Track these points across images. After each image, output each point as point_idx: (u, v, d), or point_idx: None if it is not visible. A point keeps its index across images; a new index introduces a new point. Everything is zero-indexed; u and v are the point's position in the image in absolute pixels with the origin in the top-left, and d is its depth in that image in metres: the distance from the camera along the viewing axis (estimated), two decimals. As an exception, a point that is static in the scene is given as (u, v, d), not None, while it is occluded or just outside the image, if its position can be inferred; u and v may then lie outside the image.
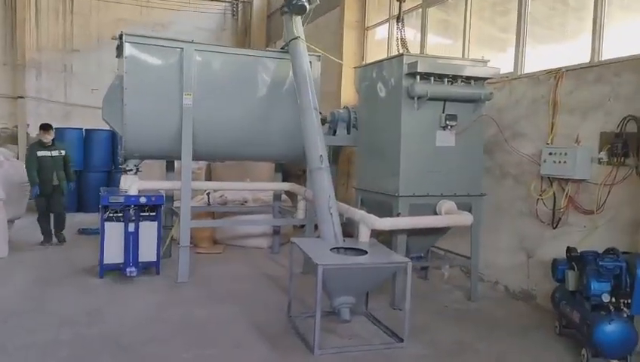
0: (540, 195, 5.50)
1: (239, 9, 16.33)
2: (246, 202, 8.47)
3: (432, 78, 5.35)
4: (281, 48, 6.59)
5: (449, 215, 5.30)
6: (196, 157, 6.40)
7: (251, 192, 8.56)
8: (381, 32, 9.78)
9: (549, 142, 5.46)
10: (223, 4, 16.36)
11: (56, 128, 11.99)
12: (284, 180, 8.15)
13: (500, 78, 6.15)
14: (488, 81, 5.72)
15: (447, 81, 5.42)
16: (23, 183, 8.10)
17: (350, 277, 4.34)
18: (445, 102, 5.50)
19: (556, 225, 5.36)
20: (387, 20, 9.18)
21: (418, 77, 5.30)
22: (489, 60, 5.81)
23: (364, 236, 5.00)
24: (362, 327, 4.88)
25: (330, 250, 4.64)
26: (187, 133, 6.08)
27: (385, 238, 5.54)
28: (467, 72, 5.44)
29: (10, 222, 8.13)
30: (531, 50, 6.16)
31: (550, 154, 5.27)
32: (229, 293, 5.83)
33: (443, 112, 5.51)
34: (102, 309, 5.18)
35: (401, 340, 4.43)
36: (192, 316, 5.05)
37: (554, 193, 5.37)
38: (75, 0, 14.96)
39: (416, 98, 5.35)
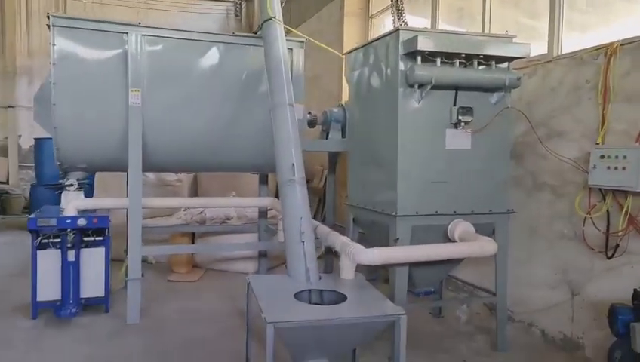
0: (589, 213, 4.09)
1: (242, 9, 15.26)
2: (228, 220, 7.24)
3: (439, 59, 4.03)
4: (254, 32, 5.37)
5: (464, 243, 3.93)
6: (148, 168, 5.21)
7: (236, 208, 7.33)
8: (389, 23, 8.49)
9: (599, 141, 4.06)
10: (225, 4, 15.31)
11: (36, 138, 11.20)
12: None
13: (530, 61, 4.80)
14: (513, 64, 4.37)
15: (460, 63, 4.10)
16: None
17: (319, 336, 3.04)
18: (457, 92, 4.18)
19: (612, 254, 3.94)
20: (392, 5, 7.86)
21: (419, 57, 3.99)
22: (515, 36, 4.45)
23: (347, 272, 3.68)
24: (344, 399, 3.56)
25: (297, 294, 3.34)
26: (135, 139, 4.89)
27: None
28: (486, 50, 4.09)
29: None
30: (568, 39, 4.79)
31: (602, 157, 3.87)
32: (182, 344, 4.57)
33: (454, 105, 4.18)
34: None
35: None
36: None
37: (607, 210, 3.96)
38: (68, 2, 14.13)
39: (417, 86, 4.05)
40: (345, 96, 8.38)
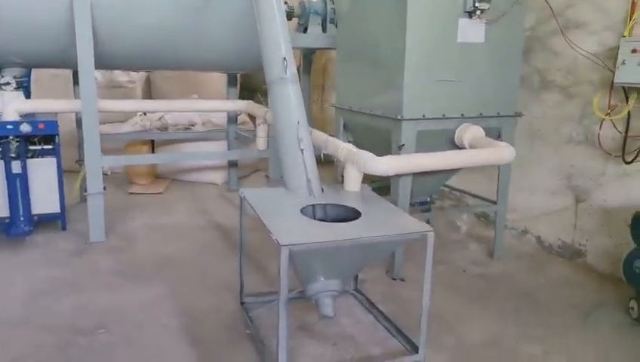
0: (608, 114, 3.77)
1: None
2: (193, 126, 6.56)
3: None
4: None
5: (482, 149, 3.54)
6: (98, 64, 4.34)
7: (200, 114, 6.62)
8: None
9: (626, 34, 3.64)
10: None
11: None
12: (244, 98, 6.24)
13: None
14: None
15: None
16: None
17: (334, 258, 2.64)
18: (475, -28, 3.59)
19: (633, 159, 3.67)
20: None
21: None
22: None
23: (353, 184, 3.25)
24: (352, 320, 3.28)
25: (302, 209, 2.89)
26: (83, 25, 4.03)
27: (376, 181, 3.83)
28: None
29: None
30: None
31: (634, 51, 3.48)
32: (158, 261, 4.11)
33: (470, -11, 3.61)
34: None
35: (415, 348, 2.85)
36: (92, 309, 3.33)
37: (629, 112, 3.65)
38: None
39: (430, -36, 3.42)
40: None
